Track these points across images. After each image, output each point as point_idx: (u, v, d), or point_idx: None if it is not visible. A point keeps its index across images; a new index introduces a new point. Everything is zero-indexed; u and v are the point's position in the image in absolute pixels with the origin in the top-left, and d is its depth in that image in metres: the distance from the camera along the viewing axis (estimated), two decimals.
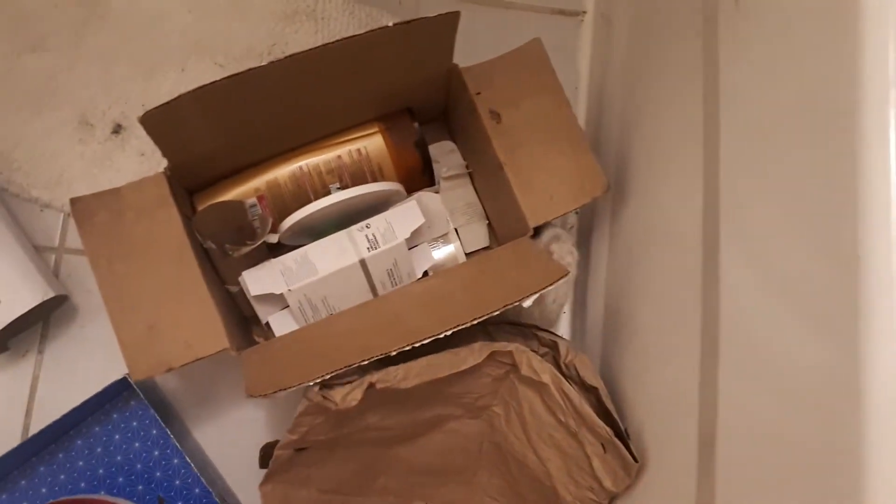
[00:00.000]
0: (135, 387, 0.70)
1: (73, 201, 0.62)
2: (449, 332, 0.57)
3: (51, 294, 0.72)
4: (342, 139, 0.72)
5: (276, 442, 0.63)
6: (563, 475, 0.65)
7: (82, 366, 0.77)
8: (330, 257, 0.66)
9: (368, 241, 0.67)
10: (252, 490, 0.67)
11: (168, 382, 0.77)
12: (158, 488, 0.74)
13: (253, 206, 0.70)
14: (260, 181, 0.71)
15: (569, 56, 0.85)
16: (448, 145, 0.79)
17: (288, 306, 0.67)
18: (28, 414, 0.76)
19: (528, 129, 0.68)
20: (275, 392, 0.56)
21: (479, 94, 0.68)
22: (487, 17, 0.79)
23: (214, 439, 0.77)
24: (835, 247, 0.38)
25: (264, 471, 0.65)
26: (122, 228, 0.62)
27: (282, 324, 0.69)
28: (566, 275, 0.59)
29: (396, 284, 0.70)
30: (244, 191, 0.71)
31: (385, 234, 0.67)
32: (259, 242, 0.66)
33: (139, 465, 0.74)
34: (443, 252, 0.75)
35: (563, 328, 0.81)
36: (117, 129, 0.81)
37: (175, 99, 0.56)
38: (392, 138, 0.72)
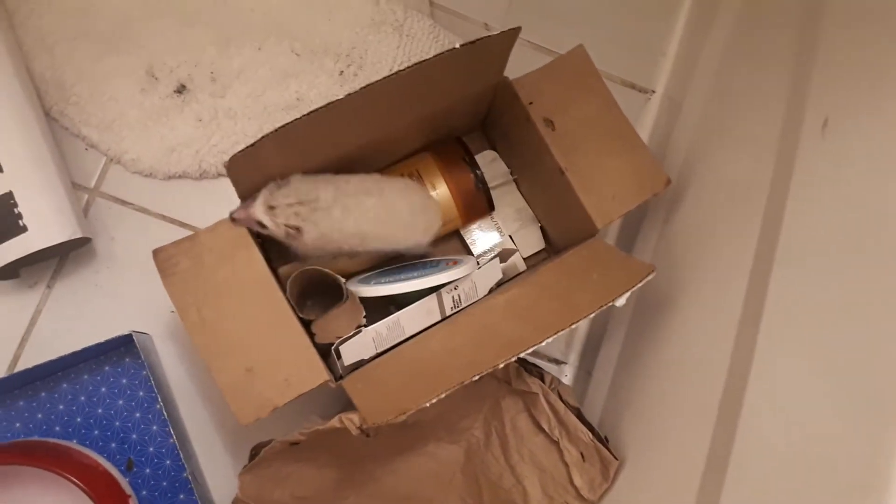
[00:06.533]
0: (137, 345, 0.68)
1: (156, 252, 0.61)
2: (550, 340, 0.58)
3: (78, 234, 0.70)
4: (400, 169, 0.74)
5: (269, 442, 0.64)
6: (538, 492, 0.69)
7: (87, 311, 0.75)
8: (418, 320, 0.67)
9: (454, 301, 0.68)
10: (222, 476, 0.67)
11: (167, 348, 0.76)
12: (131, 450, 0.73)
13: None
14: None
15: None
16: (490, 155, 0.80)
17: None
18: (22, 345, 0.74)
19: (581, 133, 0.70)
20: (395, 417, 0.56)
21: (531, 103, 0.70)
22: None
23: (200, 417, 0.75)
24: (863, 414, 0.34)
25: (241, 462, 0.65)
26: (205, 274, 0.62)
27: (352, 352, 0.69)
28: (653, 271, 0.61)
29: (458, 305, 0.70)
30: None
31: (468, 294, 0.68)
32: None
33: (118, 423, 0.73)
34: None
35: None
36: (180, 90, 0.79)
37: (259, 140, 0.56)
38: (452, 181, 0.73)
